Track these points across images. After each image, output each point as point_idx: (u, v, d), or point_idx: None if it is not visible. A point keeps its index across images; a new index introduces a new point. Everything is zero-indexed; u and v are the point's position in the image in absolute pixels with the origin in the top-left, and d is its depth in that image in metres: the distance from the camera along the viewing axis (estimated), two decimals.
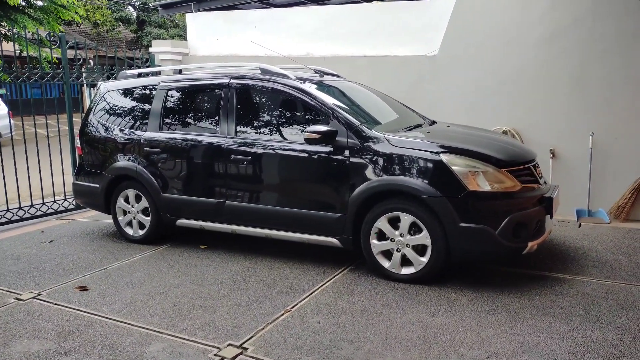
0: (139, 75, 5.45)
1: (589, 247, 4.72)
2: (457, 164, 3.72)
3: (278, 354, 2.92)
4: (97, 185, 5.24)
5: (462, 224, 3.67)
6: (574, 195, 5.78)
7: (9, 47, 13.74)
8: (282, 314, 3.44)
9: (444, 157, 3.76)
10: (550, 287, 3.80)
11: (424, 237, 3.81)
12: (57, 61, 7.05)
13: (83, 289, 3.96)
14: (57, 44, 6.36)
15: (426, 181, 3.76)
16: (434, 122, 4.91)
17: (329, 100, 4.33)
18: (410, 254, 3.89)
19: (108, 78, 6.69)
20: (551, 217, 4.02)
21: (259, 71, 4.71)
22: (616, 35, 5.58)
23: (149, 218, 5.02)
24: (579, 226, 5.44)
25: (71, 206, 6.52)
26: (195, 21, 8.66)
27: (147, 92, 5.14)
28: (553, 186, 4.32)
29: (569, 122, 5.86)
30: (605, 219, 5.61)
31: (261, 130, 4.50)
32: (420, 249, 3.87)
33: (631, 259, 4.38)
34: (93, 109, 5.44)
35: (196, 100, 4.91)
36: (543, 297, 3.63)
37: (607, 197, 5.74)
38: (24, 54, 11.46)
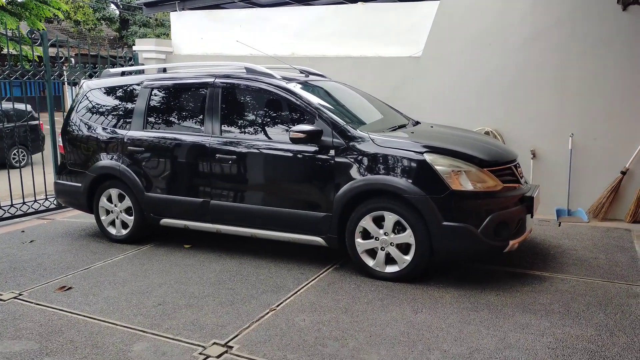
0: (123, 74, 5.40)
1: (568, 246, 4.82)
2: (440, 164, 3.77)
3: (263, 352, 2.93)
4: (80, 185, 5.18)
5: (445, 223, 3.72)
6: (554, 194, 5.89)
7: None
8: (267, 313, 3.45)
9: (428, 157, 3.80)
10: (530, 284, 3.88)
11: (407, 236, 3.86)
12: (37, 59, 6.96)
13: (65, 288, 3.92)
14: (39, 41, 6.27)
15: (410, 180, 3.80)
16: (417, 123, 4.96)
17: (314, 100, 4.35)
18: (395, 252, 3.93)
19: (90, 76, 6.61)
20: (532, 216, 4.10)
21: (244, 70, 4.70)
22: (595, 37, 5.71)
23: (132, 217, 4.98)
24: (559, 225, 5.55)
25: (52, 205, 6.43)
26: (180, 20, 8.62)
27: (131, 90, 5.10)
28: (534, 186, 4.40)
29: (549, 123, 5.97)
30: (584, 218, 5.73)
31: (246, 130, 4.50)
32: (404, 248, 3.91)
33: (609, 257, 4.48)
34: (75, 107, 5.38)
35: (181, 99, 4.89)
36: (524, 294, 3.70)
37: (586, 197, 5.86)
38: (4, 51, 11.31)
